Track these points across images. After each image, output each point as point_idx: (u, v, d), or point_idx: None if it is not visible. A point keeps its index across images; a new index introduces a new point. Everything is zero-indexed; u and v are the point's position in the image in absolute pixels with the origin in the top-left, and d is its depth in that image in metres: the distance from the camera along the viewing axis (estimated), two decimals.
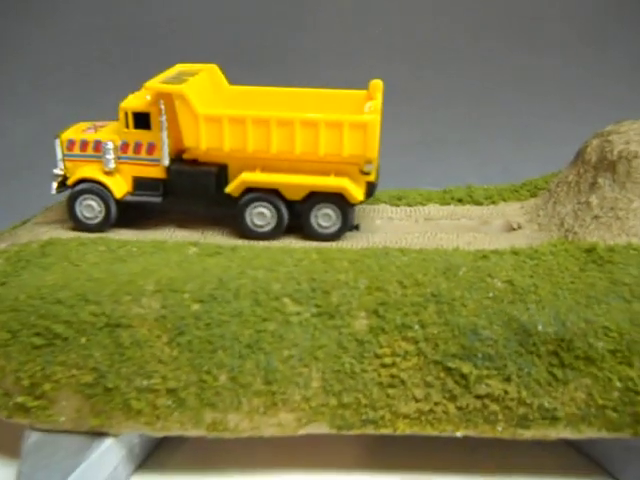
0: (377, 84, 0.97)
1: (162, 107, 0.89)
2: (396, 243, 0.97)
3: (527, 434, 0.85)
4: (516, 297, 0.84)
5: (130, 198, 0.96)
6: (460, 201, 1.10)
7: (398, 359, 0.84)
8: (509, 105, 1.39)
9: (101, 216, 0.94)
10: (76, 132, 0.96)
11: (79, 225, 0.95)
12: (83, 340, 0.83)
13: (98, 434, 0.85)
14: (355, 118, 0.90)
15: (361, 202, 0.95)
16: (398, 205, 1.09)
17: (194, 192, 0.95)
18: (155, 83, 0.90)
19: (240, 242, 0.97)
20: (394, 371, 0.84)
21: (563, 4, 1.47)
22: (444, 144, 1.35)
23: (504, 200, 1.10)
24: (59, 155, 0.97)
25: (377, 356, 0.83)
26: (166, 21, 1.44)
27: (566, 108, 1.44)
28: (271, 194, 0.94)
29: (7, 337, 0.85)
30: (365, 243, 0.95)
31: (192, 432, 0.85)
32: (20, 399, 0.84)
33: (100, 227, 0.95)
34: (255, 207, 0.95)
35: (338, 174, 0.93)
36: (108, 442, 0.85)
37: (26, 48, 1.48)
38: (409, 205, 1.09)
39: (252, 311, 0.84)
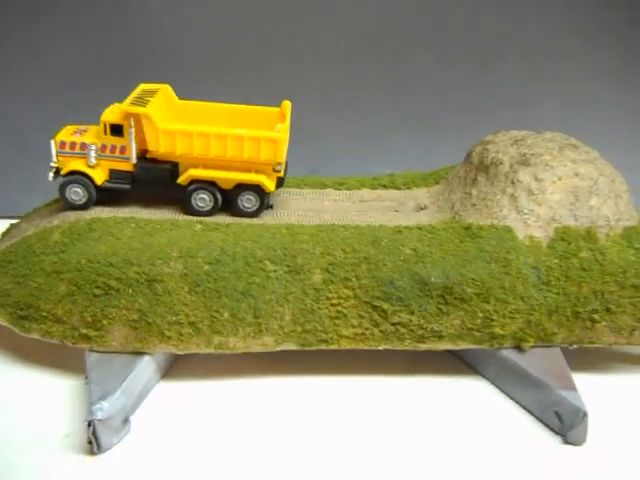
0: (287, 105, 1.22)
1: (131, 122, 1.16)
2: (339, 220, 1.20)
3: (423, 347, 1.12)
4: (418, 259, 1.11)
5: (107, 185, 1.19)
6: (385, 186, 1.34)
7: (342, 300, 1.10)
8: (429, 103, 1.63)
9: (85, 199, 1.19)
10: (66, 135, 1.21)
11: (68, 205, 1.19)
12: (130, 291, 1.08)
13: (139, 353, 1.10)
14: (269, 135, 1.15)
15: (273, 191, 1.20)
16: (340, 189, 1.32)
17: (154, 182, 1.19)
18: (126, 106, 1.17)
19: (227, 220, 1.19)
20: (339, 308, 1.11)
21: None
22: (374, 137, 1.62)
23: (416, 186, 1.33)
24: (53, 152, 1.20)
25: (328, 299, 1.10)
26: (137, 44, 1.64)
27: (473, 106, 1.66)
28: (210, 184, 1.18)
29: (74, 289, 1.09)
30: (318, 221, 1.19)
31: (204, 350, 1.10)
32: (84, 331, 1.09)
33: (84, 207, 1.19)
34: (198, 193, 1.19)
35: (257, 172, 1.18)
36: (146, 359, 1.10)
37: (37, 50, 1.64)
38: (348, 189, 1.32)
39: (244, 270, 1.10)
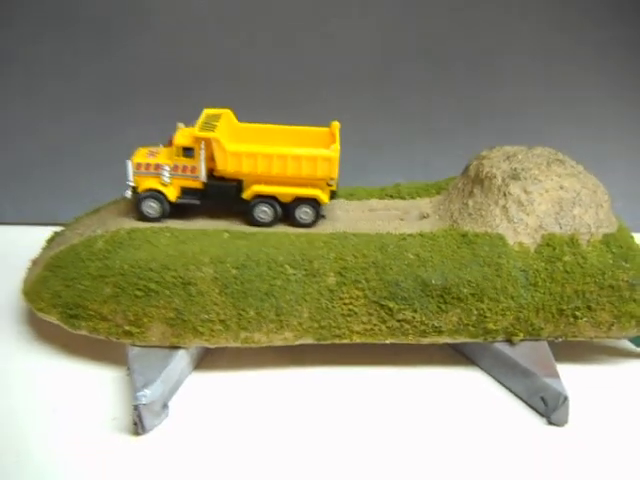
0: (336, 125, 1.31)
1: (202, 145, 1.26)
2: (350, 228, 1.28)
3: (425, 341, 1.20)
4: (420, 263, 1.19)
5: (179, 201, 1.29)
6: (391, 196, 1.41)
7: (353, 300, 1.18)
8: (431, 119, 1.68)
9: (159, 213, 1.29)
10: (141, 157, 1.30)
11: (144, 219, 1.29)
12: (167, 292, 1.17)
13: (175, 347, 1.19)
14: (324, 154, 1.24)
15: (326, 203, 1.30)
16: (351, 200, 1.40)
17: (222, 197, 1.29)
18: (198, 131, 1.26)
19: (252, 229, 1.28)
20: (350, 307, 1.18)
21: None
22: (381, 151, 1.69)
23: (419, 196, 1.40)
24: (130, 172, 1.29)
25: (340, 298, 1.18)
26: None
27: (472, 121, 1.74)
28: (271, 198, 1.28)
29: (118, 291, 1.18)
30: (331, 229, 1.28)
31: (232, 345, 1.19)
32: (127, 328, 1.18)
33: (157, 220, 1.28)
34: (260, 206, 1.28)
35: (313, 186, 1.28)
36: (180, 352, 1.19)
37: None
38: (358, 199, 1.40)
39: (267, 273, 1.18)
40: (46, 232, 1.45)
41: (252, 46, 1.68)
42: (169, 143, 1.35)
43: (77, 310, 1.21)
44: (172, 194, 1.29)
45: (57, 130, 1.74)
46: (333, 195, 1.32)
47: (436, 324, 1.20)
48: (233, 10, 1.66)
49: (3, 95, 1.70)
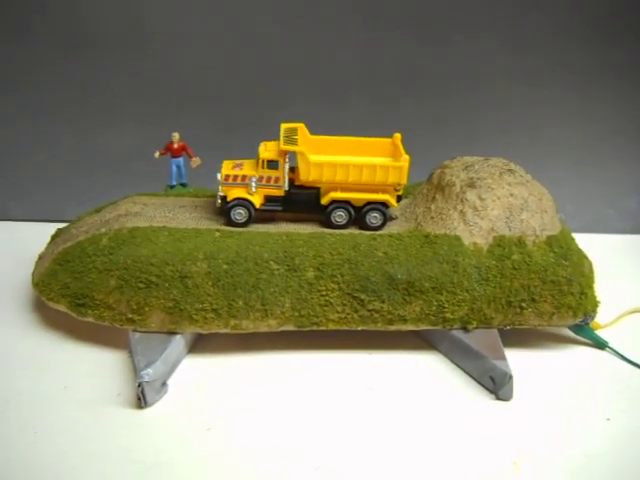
0: (398, 137, 1.41)
1: (286, 158, 1.39)
2: (329, 228, 1.37)
3: (392, 328, 1.29)
4: (388, 260, 1.28)
5: (263, 208, 1.39)
6: None
7: (329, 292, 1.27)
8: (400, 130, 1.80)
9: (246, 219, 1.39)
10: (228, 169, 1.39)
11: (232, 224, 1.38)
12: (166, 285, 1.26)
13: (172, 333, 1.27)
14: (396, 163, 1.35)
15: (396, 206, 1.38)
16: None
17: (302, 204, 1.39)
18: (284, 145, 1.35)
19: (238, 229, 1.35)
20: (327, 298, 1.27)
21: None
22: None
23: None
24: (219, 182, 1.39)
25: (318, 291, 1.27)
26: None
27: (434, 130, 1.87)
28: (346, 204, 1.37)
29: (122, 283, 1.27)
30: (311, 229, 1.36)
31: (223, 331, 1.27)
32: (130, 316, 1.27)
33: (244, 225, 1.38)
34: (336, 211, 1.38)
35: (383, 192, 1.37)
36: (177, 337, 1.27)
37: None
38: None
39: (254, 268, 1.27)
40: (49, 228, 1.57)
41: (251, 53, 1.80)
42: (165, 149, 1.50)
43: (84, 300, 1.31)
44: (257, 201, 1.39)
45: (60, 133, 1.87)
46: (400, 199, 1.41)
47: (401, 313, 1.30)
48: (232, 24, 1.79)
49: (10, 99, 1.82)
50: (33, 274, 1.46)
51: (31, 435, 1.19)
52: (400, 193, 1.39)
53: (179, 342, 1.30)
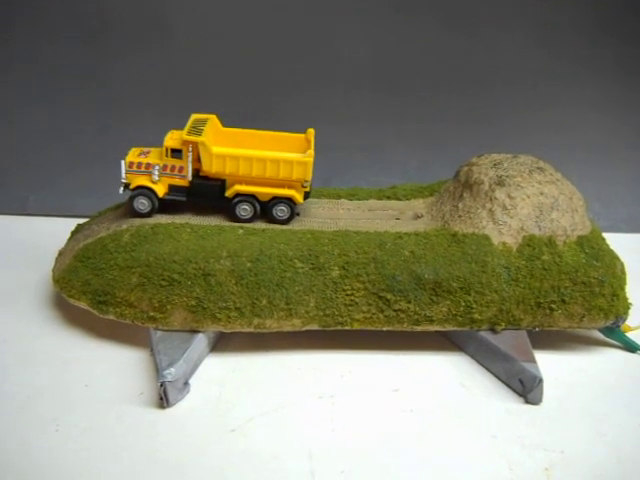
0: (311, 132, 1.40)
1: (190, 148, 1.37)
2: (352, 227, 1.35)
3: (418, 328, 1.29)
4: (415, 260, 1.27)
5: (167, 197, 1.37)
6: (388, 197, 1.49)
7: (354, 291, 1.26)
8: (426, 125, 1.77)
9: (149, 208, 1.36)
10: (133, 156, 1.38)
11: (135, 214, 1.37)
12: (189, 283, 1.25)
13: (195, 331, 1.27)
14: (300, 158, 1.34)
15: (301, 202, 1.37)
16: (352, 199, 1.47)
17: (206, 195, 1.37)
18: (186, 135, 1.34)
19: (262, 226, 1.37)
20: (352, 297, 1.27)
21: None
22: (381, 154, 1.81)
23: (414, 197, 1.48)
24: (123, 170, 1.36)
25: (343, 290, 1.27)
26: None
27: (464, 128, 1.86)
28: (251, 197, 1.36)
29: (144, 281, 1.27)
30: (335, 227, 1.36)
31: (246, 330, 1.27)
32: (152, 314, 1.26)
33: (147, 215, 1.37)
34: (241, 204, 1.36)
35: (289, 187, 1.36)
36: (200, 335, 1.27)
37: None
38: (358, 199, 1.47)
39: (278, 266, 1.27)
40: (68, 224, 1.57)
41: (252, 54, 1.78)
42: None
43: (106, 297, 1.31)
44: (161, 191, 1.37)
45: (76, 130, 1.87)
46: (307, 196, 1.42)
47: (428, 314, 1.29)
48: (231, 20, 1.77)
49: (27, 97, 1.81)
50: (53, 270, 1.45)
51: (53, 432, 1.18)
52: (307, 189, 1.38)
53: (201, 341, 1.30)
